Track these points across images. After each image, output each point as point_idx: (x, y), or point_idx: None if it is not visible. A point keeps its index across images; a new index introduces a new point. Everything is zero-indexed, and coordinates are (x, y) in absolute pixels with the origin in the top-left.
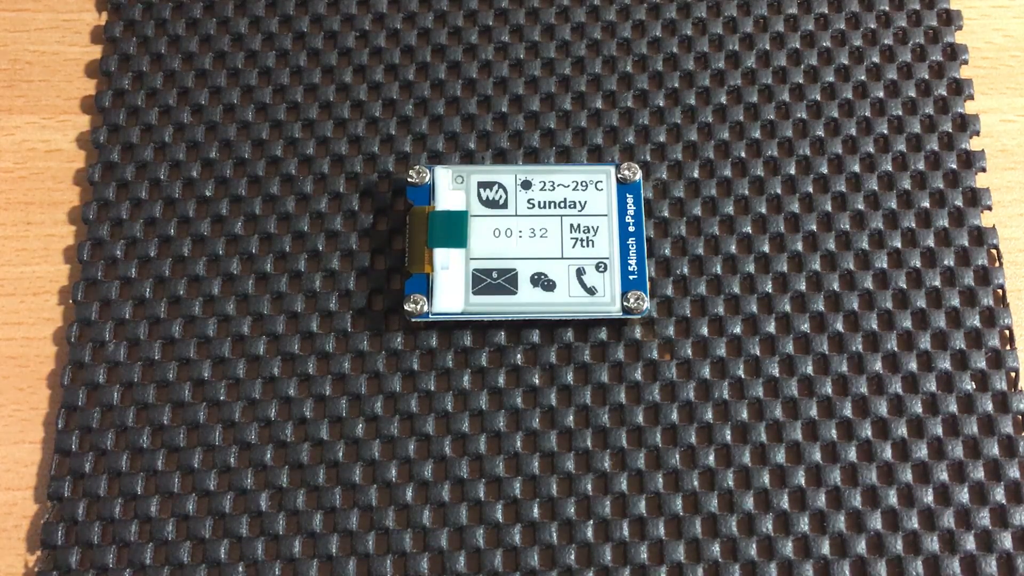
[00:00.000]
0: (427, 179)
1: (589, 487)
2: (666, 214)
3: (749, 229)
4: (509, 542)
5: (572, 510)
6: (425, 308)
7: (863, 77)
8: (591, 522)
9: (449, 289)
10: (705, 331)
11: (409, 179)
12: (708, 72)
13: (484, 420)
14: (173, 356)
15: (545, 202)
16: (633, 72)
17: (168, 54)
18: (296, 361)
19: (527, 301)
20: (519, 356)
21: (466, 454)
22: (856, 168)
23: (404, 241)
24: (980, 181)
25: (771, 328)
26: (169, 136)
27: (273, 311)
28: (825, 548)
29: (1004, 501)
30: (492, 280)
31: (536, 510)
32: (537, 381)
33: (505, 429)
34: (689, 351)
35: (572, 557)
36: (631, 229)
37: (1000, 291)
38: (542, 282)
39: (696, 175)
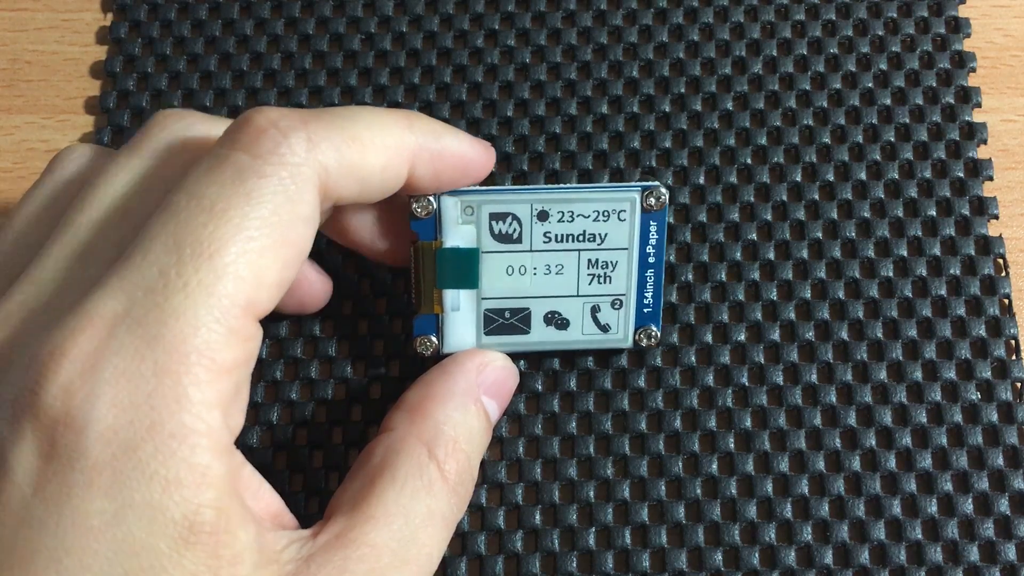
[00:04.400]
0: (432, 211)
1: (591, 494)
2: (671, 220)
3: (755, 236)
4: (511, 548)
5: (574, 516)
6: (436, 349)
7: (870, 84)
8: (593, 529)
9: (460, 331)
10: (709, 338)
11: (414, 212)
12: (714, 78)
13: None
14: None
15: (562, 235)
16: (639, 77)
17: (173, 55)
18: (299, 364)
19: (540, 340)
20: (523, 362)
21: None
22: (863, 176)
23: (410, 276)
24: (986, 189)
25: (775, 336)
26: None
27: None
28: (828, 558)
29: (1008, 512)
30: (504, 320)
31: (538, 516)
32: (540, 387)
33: (508, 434)
34: (693, 358)
35: (574, 564)
36: (651, 260)
37: (1006, 300)
38: (555, 321)
39: (702, 181)
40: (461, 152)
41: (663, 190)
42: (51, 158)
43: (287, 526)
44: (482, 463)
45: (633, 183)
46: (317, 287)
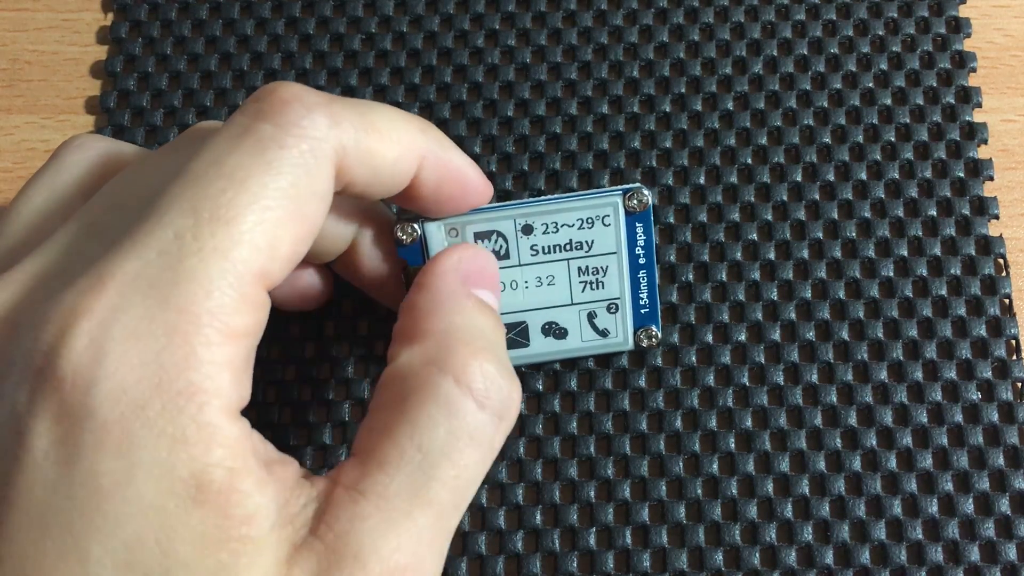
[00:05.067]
0: (418, 237)
1: (592, 494)
2: (671, 220)
3: (755, 236)
4: (512, 548)
5: (575, 516)
6: None
7: (870, 84)
8: (593, 529)
9: None
10: (710, 338)
11: (399, 239)
12: (715, 78)
13: None
14: None
15: (549, 247)
16: (640, 77)
17: (174, 55)
18: (299, 364)
19: (540, 351)
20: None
21: None
22: (863, 175)
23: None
24: (987, 189)
25: (776, 336)
26: (174, 138)
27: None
28: (829, 558)
29: (1009, 512)
30: None
31: (539, 516)
32: (541, 387)
33: (508, 434)
34: (694, 358)
35: (575, 564)
36: (641, 261)
37: (1007, 300)
38: (553, 331)
39: (702, 181)
40: (463, 168)
41: (645, 191)
42: (59, 147)
43: (301, 479)
44: None
45: (615, 187)
46: (318, 281)
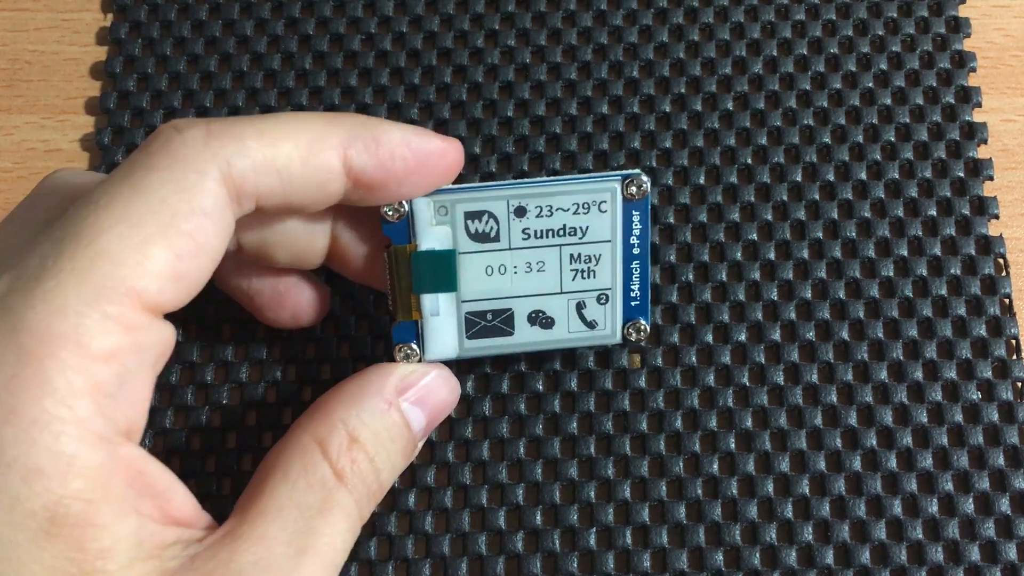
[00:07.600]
0: (404, 213)
1: (592, 494)
2: (671, 220)
3: (755, 236)
4: (512, 548)
5: (575, 517)
6: (418, 357)
7: (870, 84)
8: (594, 529)
9: (441, 336)
10: (710, 338)
11: (384, 215)
12: (715, 78)
13: (488, 426)
14: (177, 360)
15: (542, 231)
16: (639, 77)
17: (174, 56)
18: (300, 364)
19: (525, 340)
20: (523, 363)
21: (469, 460)
22: (863, 175)
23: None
24: (987, 189)
25: (776, 336)
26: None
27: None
28: (829, 558)
29: (1009, 511)
30: (487, 322)
31: (539, 517)
32: (541, 387)
33: (508, 435)
34: (694, 358)
35: (575, 564)
36: (636, 251)
37: (1007, 300)
38: (540, 320)
39: (702, 181)
40: (406, 141)
41: (644, 177)
42: (39, 182)
43: (194, 526)
44: (483, 463)
45: (612, 172)
46: (307, 298)
